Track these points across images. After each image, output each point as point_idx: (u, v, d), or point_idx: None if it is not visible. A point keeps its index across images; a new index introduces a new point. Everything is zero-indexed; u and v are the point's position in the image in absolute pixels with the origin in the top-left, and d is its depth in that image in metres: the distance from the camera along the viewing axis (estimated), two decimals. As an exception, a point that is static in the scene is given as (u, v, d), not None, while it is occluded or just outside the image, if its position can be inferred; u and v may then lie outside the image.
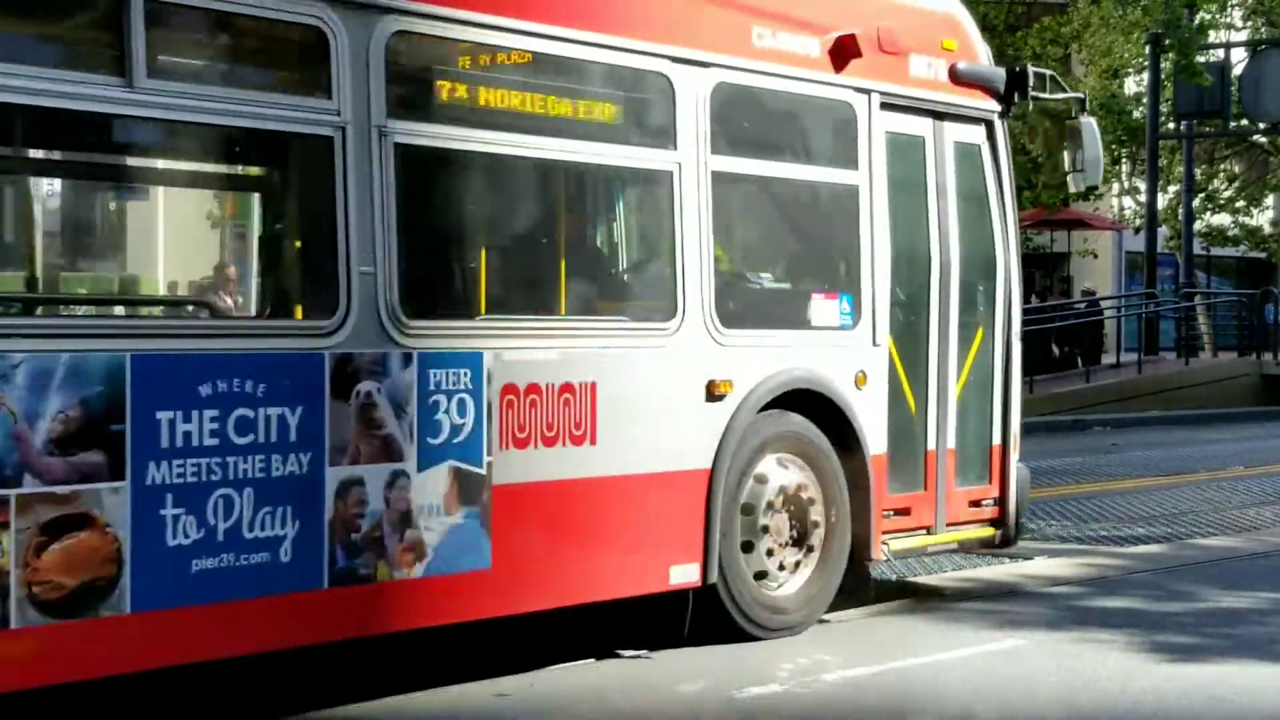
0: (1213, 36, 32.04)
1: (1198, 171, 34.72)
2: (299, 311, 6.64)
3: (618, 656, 7.75)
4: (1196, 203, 34.23)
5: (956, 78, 9.15)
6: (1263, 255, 41.54)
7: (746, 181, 8.20)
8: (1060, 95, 9.68)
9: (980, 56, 9.42)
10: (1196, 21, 29.67)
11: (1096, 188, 15.32)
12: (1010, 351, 9.49)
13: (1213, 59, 31.39)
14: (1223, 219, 37.95)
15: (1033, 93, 9.44)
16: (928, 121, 9.07)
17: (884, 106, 8.70)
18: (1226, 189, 38.41)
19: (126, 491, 5.79)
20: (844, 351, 8.47)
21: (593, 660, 7.64)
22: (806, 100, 8.43)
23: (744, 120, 8.17)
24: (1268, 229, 40.32)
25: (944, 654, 7.96)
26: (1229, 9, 34.35)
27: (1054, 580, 10.02)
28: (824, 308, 8.47)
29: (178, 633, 5.97)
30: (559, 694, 7.10)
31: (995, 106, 9.40)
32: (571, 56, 7.40)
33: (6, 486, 5.51)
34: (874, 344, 8.59)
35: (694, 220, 7.75)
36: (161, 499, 5.88)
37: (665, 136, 7.73)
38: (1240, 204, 38.17)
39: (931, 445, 9.02)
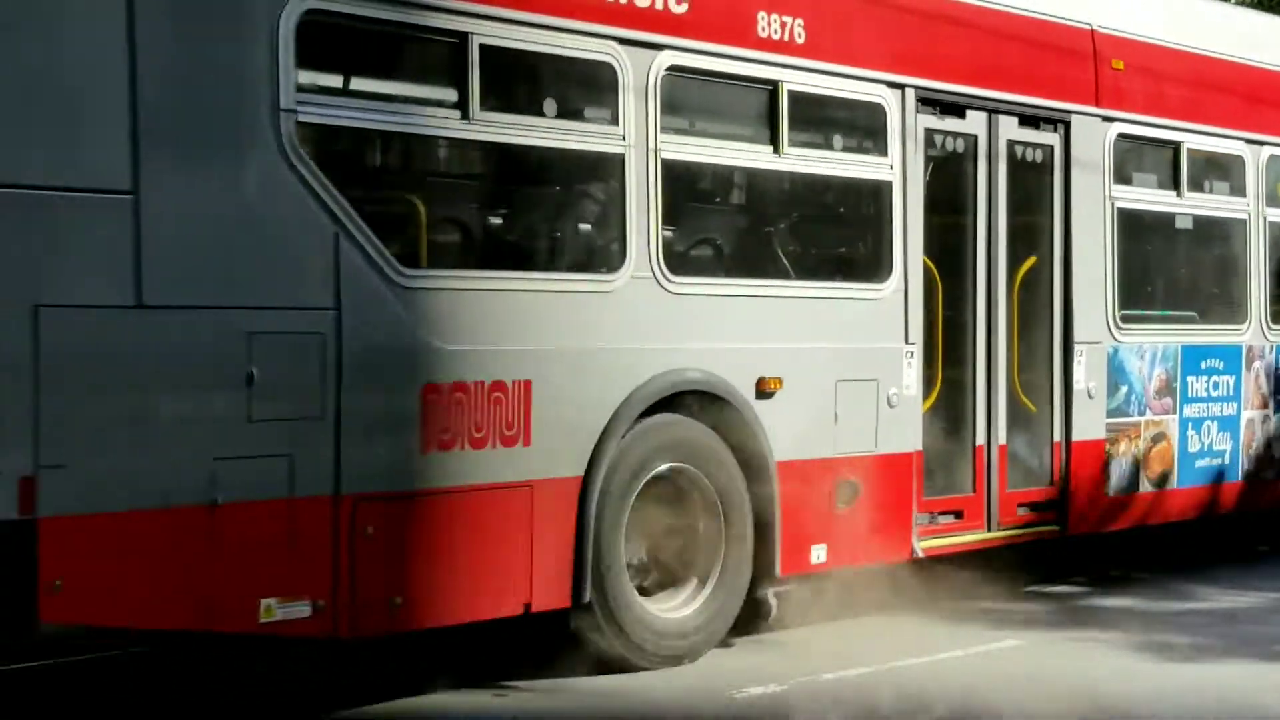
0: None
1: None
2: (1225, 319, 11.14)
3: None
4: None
5: None
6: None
7: None
8: None
9: None
10: None
11: None
12: None
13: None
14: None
15: None
16: None
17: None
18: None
19: (1175, 421, 10.48)
20: None
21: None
22: None
23: None
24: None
25: (944, 654, 7.97)
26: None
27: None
28: None
29: (1192, 500, 10.67)
30: (557, 694, 7.19)
31: None
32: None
33: (1139, 415, 10.22)
34: None
35: None
36: (1187, 425, 10.58)
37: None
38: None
39: None
